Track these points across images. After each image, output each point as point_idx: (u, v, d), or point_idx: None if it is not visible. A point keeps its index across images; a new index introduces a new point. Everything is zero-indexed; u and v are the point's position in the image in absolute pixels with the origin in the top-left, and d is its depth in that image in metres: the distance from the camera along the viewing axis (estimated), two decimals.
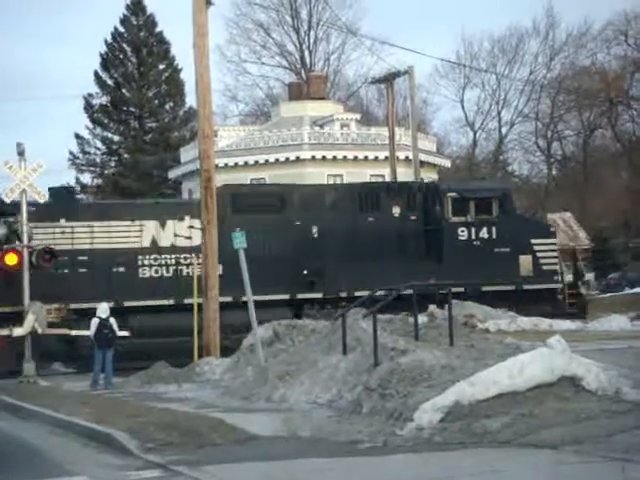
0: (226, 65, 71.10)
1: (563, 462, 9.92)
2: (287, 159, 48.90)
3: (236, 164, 49.30)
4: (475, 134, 71.78)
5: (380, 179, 48.16)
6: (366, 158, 49.60)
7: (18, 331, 22.10)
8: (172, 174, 55.22)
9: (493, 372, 12.60)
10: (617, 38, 62.89)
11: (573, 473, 9.51)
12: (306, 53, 71.10)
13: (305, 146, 49.14)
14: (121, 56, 61.58)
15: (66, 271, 25.00)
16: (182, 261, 26.21)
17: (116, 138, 62.26)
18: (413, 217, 28.55)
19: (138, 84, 61.26)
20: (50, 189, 26.26)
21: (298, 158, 48.86)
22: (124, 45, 61.61)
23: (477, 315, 25.99)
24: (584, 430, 11.09)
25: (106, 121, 61.86)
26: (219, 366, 20.77)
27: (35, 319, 22.03)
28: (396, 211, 28.44)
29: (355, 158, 49.56)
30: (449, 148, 71.84)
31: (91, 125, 61.75)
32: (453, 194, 28.82)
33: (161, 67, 62.15)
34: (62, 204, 26.05)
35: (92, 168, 62.62)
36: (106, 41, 61.23)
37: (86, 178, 62.65)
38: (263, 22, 70.77)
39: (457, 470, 9.96)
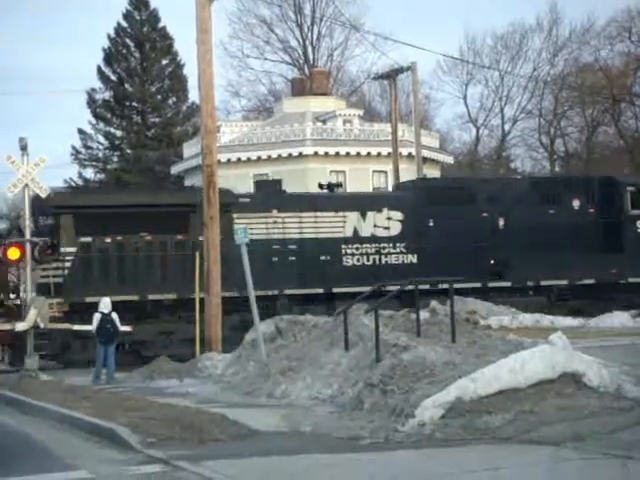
0: (229, 60, 71.10)
1: (564, 459, 9.92)
2: (290, 155, 48.89)
3: (239, 159, 49.28)
4: (478, 130, 71.71)
5: (383, 176, 48.20)
6: (369, 154, 49.58)
7: (21, 325, 22.12)
8: (175, 169, 55.21)
9: (495, 368, 12.60)
10: (621, 35, 62.76)
11: (574, 470, 9.52)
12: (309, 49, 71.04)
13: (308, 142, 49.11)
14: (124, 51, 61.55)
15: (276, 259, 27.08)
16: (381, 250, 28.21)
17: (119, 133, 62.25)
18: (592, 210, 30.04)
19: (141, 79, 61.24)
20: (259, 182, 31.34)
21: (301, 154, 48.84)
22: (127, 40, 61.59)
23: (479, 311, 26.02)
24: (585, 427, 11.10)
25: (109, 116, 61.85)
26: (221, 361, 20.78)
27: (38, 313, 22.04)
28: (576, 204, 30.00)
29: (358, 154, 49.54)
30: (452, 144, 71.85)
31: (94, 120, 61.77)
32: (632, 188, 30.25)
33: (164, 62, 62.13)
34: (273, 196, 28.05)
35: (95, 163, 62.62)
36: (109, 36, 61.23)
37: (89, 173, 62.70)
38: (266, 17, 70.75)
39: (458, 466, 9.97)
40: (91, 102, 61.53)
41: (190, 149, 52.26)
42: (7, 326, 22.52)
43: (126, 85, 61.50)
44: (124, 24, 61.42)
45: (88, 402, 16.28)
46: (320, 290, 26.99)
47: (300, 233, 27.51)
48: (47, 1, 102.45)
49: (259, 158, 49.36)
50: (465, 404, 12.08)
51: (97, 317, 21.29)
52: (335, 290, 26.75)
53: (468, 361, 13.84)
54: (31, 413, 16.70)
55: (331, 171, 48.28)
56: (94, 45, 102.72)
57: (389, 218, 28.21)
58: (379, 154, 49.05)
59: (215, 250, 22.73)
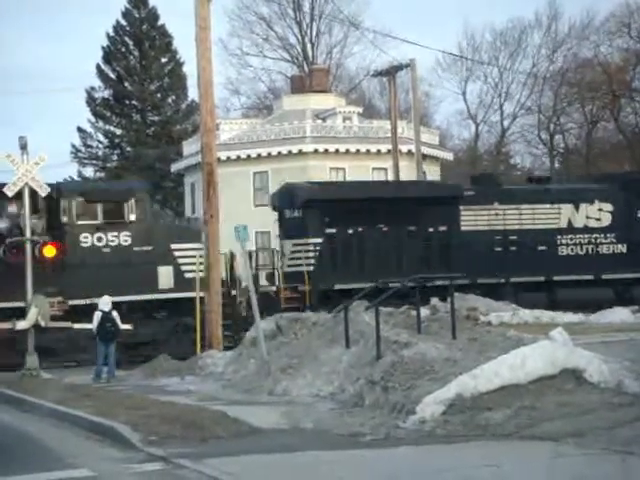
0: (228, 58, 70.97)
1: (564, 454, 9.93)
2: (289, 152, 48.89)
3: (238, 157, 49.30)
4: (477, 127, 71.68)
5: (382, 172, 48.20)
6: (368, 151, 49.59)
7: (21, 324, 22.11)
8: (174, 167, 55.23)
9: (495, 365, 12.61)
10: (620, 30, 62.66)
11: (574, 465, 9.52)
12: (308, 46, 70.96)
13: (307, 139, 49.12)
14: (123, 49, 61.58)
15: (499, 249, 29.19)
16: (594, 240, 30.31)
17: (118, 131, 62.29)
18: None
19: (140, 77, 61.26)
20: (476, 177, 33.27)
21: (300, 151, 48.85)
22: (126, 38, 61.61)
23: (479, 308, 26.00)
24: (586, 422, 11.10)
25: (108, 114, 61.88)
26: (222, 359, 20.79)
27: (38, 312, 22.03)
28: None
29: (357, 151, 49.55)
30: (451, 141, 71.81)
31: (93, 118, 61.83)
32: None
33: (163, 60, 62.16)
34: (494, 190, 30.23)
35: (94, 161, 62.67)
36: (108, 34, 61.28)
37: (88, 171, 62.77)
38: (265, 15, 70.69)
39: (459, 462, 9.98)
40: (90, 100, 61.56)
41: (190, 147, 52.27)
42: (7, 325, 22.50)
43: (125, 83, 61.52)
44: (123, 22, 61.44)
45: (89, 400, 16.28)
46: (541, 278, 29.05)
47: (519, 224, 29.63)
48: (46, 0, 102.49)
49: (259, 155, 49.37)
50: (466, 400, 12.09)
51: (97, 315, 21.26)
52: (555, 278, 29.09)
53: (469, 357, 13.85)
54: (32, 411, 16.70)
55: (331, 168, 48.31)
56: (93, 43, 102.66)
57: (600, 210, 30.34)
58: (379, 151, 49.05)
59: (215, 248, 22.73)
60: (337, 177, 47.90)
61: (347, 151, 49.34)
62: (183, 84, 61.98)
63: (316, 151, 48.91)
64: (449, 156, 56.42)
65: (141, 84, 61.22)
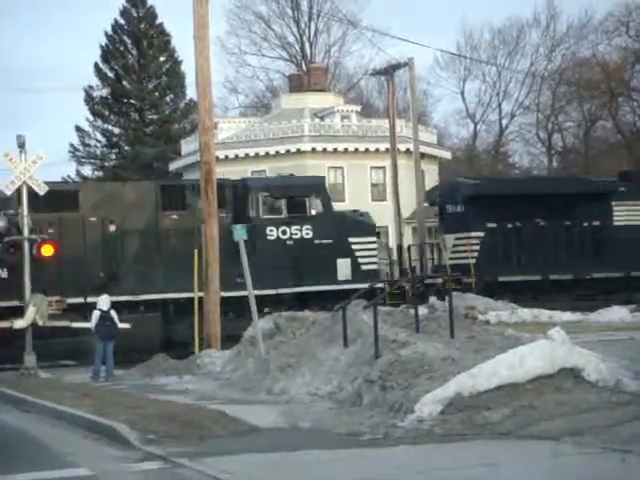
0: (226, 57, 71.01)
1: (563, 453, 9.93)
2: (288, 151, 48.88)
3: (237, 156, 49.30)
4: (476, 126, 71.69)
5: (381, 171, 48.22)
6: (367, 150, 49.58)
7: (19, 323, 22.10)
8: (173, 166, 55.20)
9: (493, 364, 12.61)
10: (618, 29, 62.66)
11: (573, 464, 9.52)
12: (306, 45, 71.00)
13: (305, 138, 49.11)
14: (121, 48, 61.48)
15: None
16: None
17: (116, 130, 62.22)
18: None
19: (138, 76, 61.18)
20: (625, 172, 34.65)
21: (299, 150, 48.83)
22: (124, 37, 61.52)
23: (478, 307, 26.05)
24: (584, 421, 11.11)
25: (106, 113, 61.80)
26: (220, 358, 20.78)
27: (36, 311, 22.02)
28: None
29: (356, 150, 49.54)
30: (450, 140, 71.78)
31: (91, 117, 61.73)
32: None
33: (161, 59, 62.07)
34: None
35: (92, 160, 62.60)
36: (106, 33, 61.16)
37: (86, 170, 62.67)
38: (263, 14, 70.71)
39: (458, 462, 9.97)
40: (89, 99, 61.48)
41: (188, 146, 52.26)
42: (6, 324, 22.48)
43: (124, 82, 61.43)
44: (121, 21, 61.35)
45: (87, 399, 16.28)
46: None
47: None
48: None
49: (257, 154, 49.36)
50: (464, 399, 12.09)
51: (96, 314, 21.25)
52: None
53: (467, 357, 13.85)
54: (30, 411, 16.69)
55: (329, 167, 48.28)
56: (91, 42, 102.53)
57: None
58: (377, 150, 49.04)
59: (214, 247, 22.72)
60: (335, 176, 47.92)
61: (345, 150, 49.34)
62: (181, 83, 61.93)
63: (314, 150, 48.90)
64: (447, 155, 56.42)
65: (139, 83, 61.14)
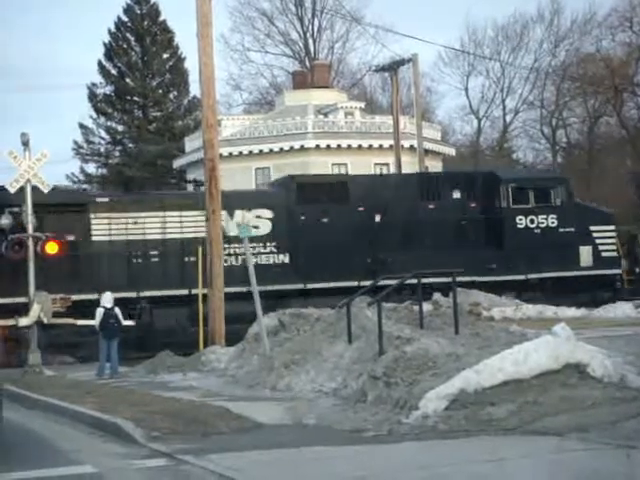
0: (230, 54, 70.97)
1: (568, 449, 9.93)
2: (291, 148, 48.85)
3: (240, 153, 49.25)
4: (480, 122, 71.56)
5: (385, 168, 48.16)
6: (370, 147, 49.55)
7: (24, 321, 22.13)
8: (176, 163, 55.20)
9: (498, 360, 12.60)
10: (622, 25, 62.51)
11: (578, 460, 9.51)
12: (310, 41, 70.92)
13: (309, 135, 49.06)
14: (125, 45, 61.49)
15: None
16: None
17: (120, 128, 62.23)
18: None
19: (142, 73, 61.19)
20: None
21: (302, 147, 48.80)
22: (128, 34, 61.52)
23: (482, 303, 26.01)
24: (589, 417, 11.10)
25: (110, 111, 61.82)
26: (224, 355, 20.80)
27: (41, 309, 22.05)
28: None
29: (359, 147, 49.50)
30: (454, 136, 71.70)
31: (95, 115, 61.75)
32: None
33: (165, 56, 62.07)
34: None
35: (96, 158, 62.62)
36: (110, 30, 61.18)
37: (90, 168, 62.72)
38: (267, 10, 70.63)
39: (462, 458, 9.97)
40: (92, 97, 61.49)
41: (192, 143, 52.24)
42: (11, 322, 22.52)
43: (127, 79, 61.43)
44: (125, 18, 61.35)
45: (92, 397, 16.30)
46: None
47: None
48: None
49: (261, 151, 49.32)
50: (469, 396, 12.08)
51: (100, 312, 21.27)
52: None
53: (471, 353, 13.84)
54: (35, 408, 16.71)
55: (333, 164, 48.25)
56: (95, 39, 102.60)
57: None
58: (381, 146, 49.00)
59: (218, 244, 22.74)
60: (339, 173, 47.90)
61: (349, 147, 49.30)
62: (185, 80, 61.93)
63: (318, 147, 48.87)
64: (451, 151, 56.36)
65: (143, 80, 61.14)
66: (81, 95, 69.62)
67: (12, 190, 22.63)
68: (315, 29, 70.77)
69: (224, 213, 25.23)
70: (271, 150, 49.09)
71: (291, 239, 26.97)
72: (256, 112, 63.86)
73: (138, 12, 61.38)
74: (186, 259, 25.84)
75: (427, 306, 20.70)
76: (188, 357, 21.82)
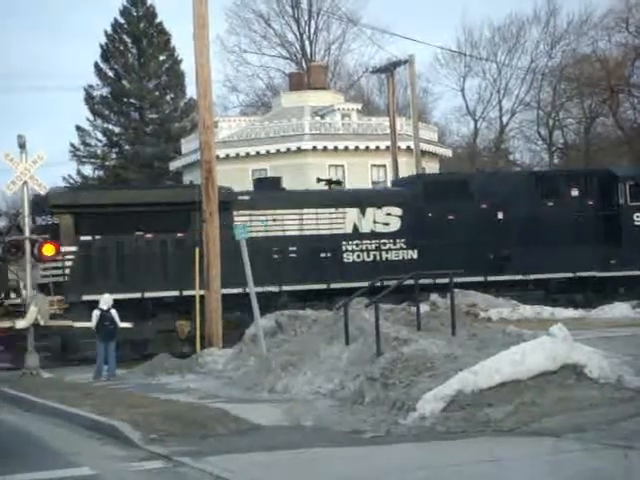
0: (226, 56, 70.94)
1: (565, 450, 9.94)
2: (288, 149, 48.86)
3: (237, 155, 49.27)
4: (476, 123, 71.58)
5: (382, 170, 48.21)
6: (367, 148, 49.55)
7: (21, 323, 22.11)
8: (173, 165, 55.18)
9: (495, 361, 12.61)
10: (618, 26, 62.51)
11: (575, 461, 9.52)
12: (306, 43, 70.95)
13: (306, 136, 49.08)
14: (121, 47, 61.47)
15: None
16: None
17: (117, 130, 62.20)
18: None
19: (138, 75, 61.17)
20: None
21: (299, 148, 48.82)
22: (124, 36, 61.50)
23: (479, 304, 26.01)
24: (586, 418, 11.11)
25: (107, 113, 61.78)
26: (222, 357, 20.80)
27: (38, 311, 22.03)
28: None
29: (356, 148, 49.52)
30: (450, 137, 71.72)
31: (92, 117, 61.70)
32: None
33: (161, 58, 62.05)
34: None
35: (93, 160, 62.56)
36: (106, 32, 61.15)
37: (87, 170, 62.65)
38: (263, 12, 70.65)
39: (460, 459, 9.98)
40: (89, 99, 61.45)
41: (188, 145, 52.23)
42: (7, 324, 22.49)
43: (123, 81, 61.41)
44: (121, 20, 61.34)
45: (90, 399, 16.29)
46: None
47: None
48: None
49: (257, 153, 49.33)
50: (466, 397, 12.09)
51: (96, 314, 21.25)
52: None
53: (469, 354, 13.85)
54: (32, 411, 16.70)
55: (330, 165, 48.27)
56: (91, 41, 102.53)
57: None
58: (378, 148, 49.02)
59: (215, 246, 22.74)
60: (336, 174, 47.88)
61: (346, 148, 49.31)
62: (181, 82, 61.92)
63: (315, 148, 48.89)
64: (448, 152, 56.38)
65: (139, 82, 61.12)
66: (78, 97, 69.64)
67: (9, 192, 22.63)
68: (311, 31, 70.86)
69: (356, 211, 27.38)
70: (268, 152, 49.09)
71: (419, 235, 27.86)
72: (253, 114, 63.85)
73: (135, 14, 61.37)
74: (322, 255, 26.96)
75: (424, 307, 20.69)
76: (185, 359, 21.81)
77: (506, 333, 16.26)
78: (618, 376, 12.71)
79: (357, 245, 27.18)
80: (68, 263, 24.61)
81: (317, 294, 26.22)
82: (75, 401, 16.08)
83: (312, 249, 26.96)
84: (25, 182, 22.30)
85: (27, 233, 22.48)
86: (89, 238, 25.12)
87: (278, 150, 48.86)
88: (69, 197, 24.97)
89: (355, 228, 27.49)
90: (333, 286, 26.20)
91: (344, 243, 27.27)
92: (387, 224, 27.74)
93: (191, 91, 58.49)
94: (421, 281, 18.98)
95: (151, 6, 61.55)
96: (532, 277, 28.44)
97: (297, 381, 16.11)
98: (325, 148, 49.03)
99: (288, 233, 27.00)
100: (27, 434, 14.33)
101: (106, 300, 21.41)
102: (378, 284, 19.34)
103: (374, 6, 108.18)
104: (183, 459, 10.85)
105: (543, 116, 68.52)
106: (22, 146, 22.42)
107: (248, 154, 49.42)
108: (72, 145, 61.85)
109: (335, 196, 28.41)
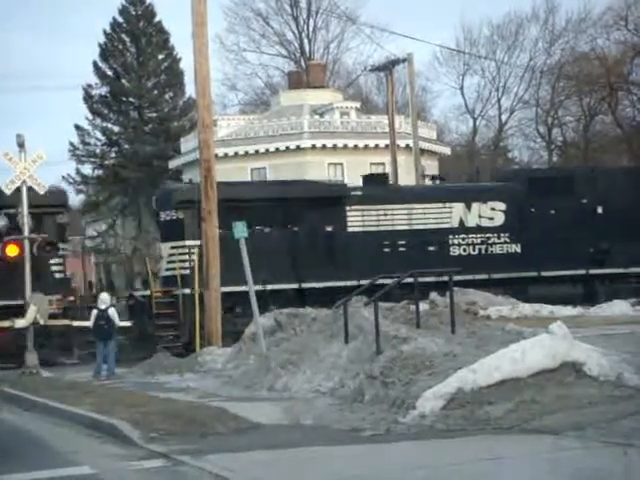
0: (225, 54, 70.88)
1: (565, 448, 9.93)
2: (287, 148, 48.83)
3: (236, 153, 49.24)
4: (475, 121, 71.54)
5: (380, 168, 48.15)
6: (366, 146, 49.54)
7: (20, 322, 22.11)
8: (172, 164, 55.15)
9: (495, 359, 12.61)
10: (617, 23, 62.44)
11: (575, 459, 9.52)
12: (305, 41, 70.90)
13: (305, 135, 49.05)
14: (120, 46, 61.37)
15: None
16: None
17: (116, 129, 62.11)
18: None
19: (137, 74, 61.08)
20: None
21: (298, 147, 48.79)
22: (123, 35, 61.41)
23: (478, 302, 25.99)
24: (586, 416, 11.10)
25: (106, 112, 61.70)
26: (221, 355, 20.80)
27: (37, 310, 22.03)
28: None
29: (355, 147, 49.50)
30: (449, 135, 71.68)
31: (91, 116, 61.61)
32: None
33: (160, 57, 61.95)
34: None
35: (92, 159, 62.46)
36: (105, 31, 61.05)
37: (86, 169, 62.56)
38: (262, 11, 70.58)
39: (460, 457, 9.97)
40: (87, 98, 61.37)
41: (187, 143, 52.21)
42: (6, 323, 22.50)
43: (122, 80, 61.33)
44: (120, 19, 61.23)
45: (89, 398, 16.28)
46: None
47: None
48: None
49: (257, 152, 49.30)
50: (466, 395, 12.09)
51: (93, 314, 21.26)
52: None
53: (468, 352, 13.85)
54: (32, 409, 16.70)
55: (329, 164, 48.26)
56: (90, 41, 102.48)
57: None
58: (377, 146, 48.99)
59: (214, 245, 22.73)
60: (335, 172, 47.89)
61: (345, 146, 49.30)
62: (180, 81, 61.82)
63: (314, 147, 48.87)
64: (447, 151, 56.37)
65: (138, 81, 61.03)
66: (76, 96, 69.56)
67: (8, 192, 22.62)
68: (310, 29, 70.79)
69: (462, 205, 28.35)
70: (267, 150, 49.07)
71: (523, 230, 28.68)
72: (252, 112, 63.80)
73: (133, 13, 61.28)
74: (430, 248, 27.85)
75: (424, 305, 20.68)
76: (185, 358, 21.82)
77: (505, 331, 16.28)
78: (617, 374, 12.71)
79: (463, 239, 28.46)
80: (193, 257, 25.34)
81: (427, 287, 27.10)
82: (75, 400, 16.08)
83: (420, 243, 27.90)
84: (24, 181, 22.29)
85: (26, 232, 22.46)
86: None
87: (277, 148, 48.85)
88: (193, 193, 25.73)
89: (461, 222, 28.64)
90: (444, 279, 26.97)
91: (450, 237, 28.41)
92: (492, 218, 28.86)
93: (190, 90, 58.50)
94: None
95: (150, 5, 61.47)
96: (633, 270, 29.10)
97: (297, 379, 16.11)
98: (324, 146, 49.01)
99: (397, 227, 28.03)
100: (27, 433, 14.33)
101: (103, 299, 21.41)
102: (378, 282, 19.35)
103: (373, 4, 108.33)
104: (183, 458, 10.85)
105: (542, 114, 68.50)
106: (21, 145, 22.42)
107: (247, 153, 49.39)
108: (71, 144, 61.78)
109: (442, 191, 29.86)
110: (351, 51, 76.04)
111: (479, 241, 28.63)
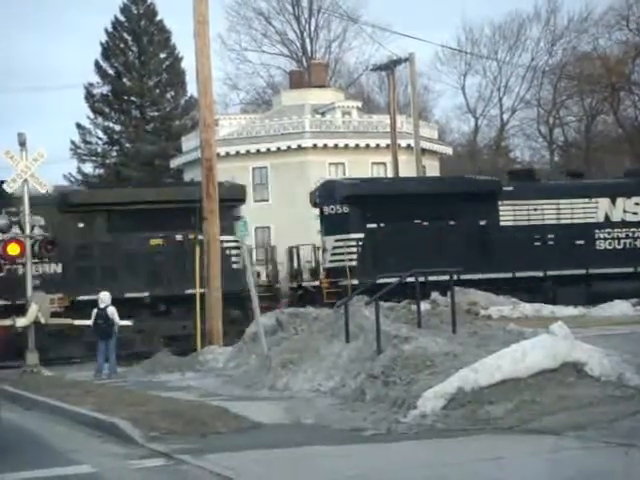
0: (227, 53, 70.99)
1: (566, 448, 9.93)
2: (289, 147, 48.84)
3: (237, 153, 49.23)
4: (477, 121, 71.61)
5: (382, 167, 48.19)
6: (367, 146, 49.54)
7: (21, 321, 22.12)
8: (174, 163, 55.16)
9: (496, 359, 12.61)
10: (619, 23, 62.52)
11: (576, 459, 9.52)
12: (307, 41, 70.96)
13: (307, 134, 49.05)
14: (122, 45, 61.45)
15: None
16: None
17: (117, 127, 62.20)
18: None
19: (139, 73, 61.15)
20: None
21: (300, 146, 48.79)
22: (124, 34, 61.49)
23: (480, 302, 26.01)
24: (587, 416, 11.10)
25: (107, 110, 61.78)
26: (222, 355, 20.79)
27: (38, 309, 22.03)
28: None
29: (357, 146, 49.51)
30: (451, 135, 71.76)
31: (92, 115, 61.69)
32: None
33: (162, 56, 62.03)
34: None
35: (94, 158, 62.55)
36: (106, 30, 61.14)
37: (88, 168, 62.65)
38: (264, 10, 70.68)
39: (460, 456, 9.98)
40: (89, 97, 61.45)
41: (189, 143, 52.20)
42: (8, 322, 22.49)
43: (124, 79, 61.39)
44: (122, 18, 61.32)
45: (90, 397, 16.28)
46: None
47: None
48: None
49: (258, 151, 49.30)
50: (466, 394, 12.09)
51: (93, 313, 21.26)
52: None
53: (469, 351, 13.85)
54: (33, 408, 16.70)
55: (330, 163, 48.26)
56: (92, 40, 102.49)
57: None
58: (378, 146, 49.00)
59: (215, 244, 22.72)
60: (336, 172, 47.87)
61: (346, 146, 49.30)
62: (182, 80, 61.89)
63: (315, 146, 48.87)
64: (448, 150, 56.39)
65: (140, 80, 61.09)
66: (78, 95, 69.55)
67: (9, 190, 22.62)
68: (312, 28, 70.85)
69: (607, 200, 29.51)
70: (268, 150, 49.07)
71: None
72: (253, 112, 63.84)
73: (135, 12, 61.35)
74: (577, 242, 28.95)
75: (425, 305, 20.69)
76: (186, 357, 21.82)
77: (506, 331, 16.27)
78: (619, 374, 12.71)
79: (609, 233, 29.53)
80: (358, 249, 26.85)
81: (574, 279, 28.19)
82: (76, 399, 16.08)
83: (568, 237, 28.91)
84: (25, 180, 22.29)
85: (28, 231, 22.47)
86: (374, 226, 27.67)
87: (279, 148, 48.85)
88: (359, 189, 26.73)
89: (606, 217, 29.67)
90: (591, 271, 28.23)
91: (597, 231, 29.46)
92: (636, 213, 29.93)
93: (191, 89, 58.57)
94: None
95: (151, 4, 61.55)
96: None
97: (297, 379, 16.11)
98: (325, 146, 49.01)
99: (547, 222, 29.10)
100: (27, 432, 14.33)
101: (102, 298, 21.38)
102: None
103: (374, 4, 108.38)
104: (183, 457, 10.85)
105: (543, 114, 68.53)
106: (22, 144, 22.42)
107: (248, 152, 49.38)
108: (73, 143, 61.88)
109: (587, 187, 30.62)
110: (353, 51, 76.25)
111: (624, 235, 29.65)
